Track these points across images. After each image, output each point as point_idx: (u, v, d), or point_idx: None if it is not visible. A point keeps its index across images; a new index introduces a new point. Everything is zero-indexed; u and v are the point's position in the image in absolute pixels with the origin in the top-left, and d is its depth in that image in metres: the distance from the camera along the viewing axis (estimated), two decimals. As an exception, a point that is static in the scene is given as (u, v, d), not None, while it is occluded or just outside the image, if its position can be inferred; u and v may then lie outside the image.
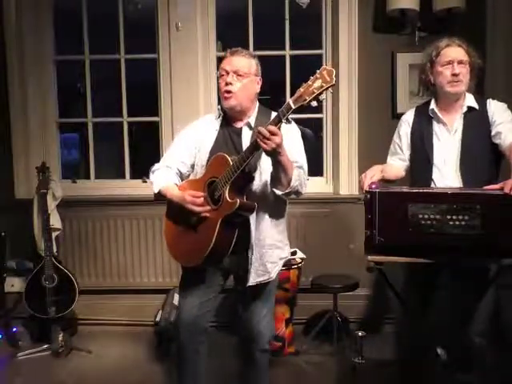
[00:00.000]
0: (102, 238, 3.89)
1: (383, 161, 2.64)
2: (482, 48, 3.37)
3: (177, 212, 2.25)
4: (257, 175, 2.20)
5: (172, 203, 2.26)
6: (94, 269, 3.92)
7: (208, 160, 2.25)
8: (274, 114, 2.28)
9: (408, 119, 2.55)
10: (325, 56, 3.83)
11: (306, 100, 1.90)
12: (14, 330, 3.64)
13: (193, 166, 2.37)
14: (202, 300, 2.32)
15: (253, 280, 2.25)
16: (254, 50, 3.83)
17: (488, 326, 2.39)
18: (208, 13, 3.81)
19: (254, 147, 2.01)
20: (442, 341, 2.42)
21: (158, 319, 3.63)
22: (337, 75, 4.17)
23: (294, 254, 3.48)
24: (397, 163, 2.58)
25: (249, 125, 2.28)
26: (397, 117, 3.56)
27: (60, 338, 3.43)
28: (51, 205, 3.61)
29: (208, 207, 2.14)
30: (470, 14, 3.45)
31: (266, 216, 2.25)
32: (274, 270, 2.32)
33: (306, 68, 3.96)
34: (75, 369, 3.30)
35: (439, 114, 2.43)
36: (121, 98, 3.98)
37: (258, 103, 2.34)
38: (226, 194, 2.08)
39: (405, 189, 2.27)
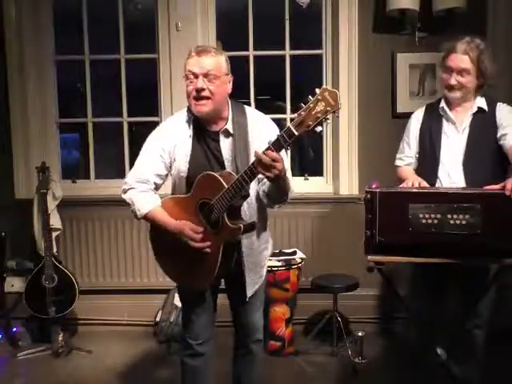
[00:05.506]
0: (102, 238, 3.88)
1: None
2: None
3: (168, 235, 2.09)
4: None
5: (160, 228, 2.10)
6: (94, 269, 3.91)
7: (188, 170, 2.10)
8: (247, 109, 2.17)
9: (418, 116, 2.56)
10: (325, 56, 3.82)
11: (309, 126, 1.73)
12: (14, 329, 3.64)
13: (167, 176, 2.20)
14: (207, 322, 2.29)
15: (251, 291, 2.22)
16: (254, 50, 3.86)
17: (487, 319, 2.40)
18: (208, 13, 3.81)
19: (254, 173, 1.87)
20: (442, 341, 2.42)
21: (158, 319, 3.63)
22: (337, 75, 4.15)
23: (293, 254, 3.49)
24: (407, 162, 2.58)
25: (226, 132, 2.10)
26: (397, 117, 3.57)
27: (60, 338, 3.44)
28: (51, 205, 3.61)
29: (208, 243, 2.03)
30: (470, 14, 3.44)
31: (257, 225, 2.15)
32: (265, 270, 2.30)
33: (305, 68, 3.97)
34: (75, 369, 3.30)
35: (449, 113, 2.44)
36: (121, 98, 3.98)
37: (229, 101, 2.15)
38: (226, 220, 1.98)
39: (405, 189, 2.27)
